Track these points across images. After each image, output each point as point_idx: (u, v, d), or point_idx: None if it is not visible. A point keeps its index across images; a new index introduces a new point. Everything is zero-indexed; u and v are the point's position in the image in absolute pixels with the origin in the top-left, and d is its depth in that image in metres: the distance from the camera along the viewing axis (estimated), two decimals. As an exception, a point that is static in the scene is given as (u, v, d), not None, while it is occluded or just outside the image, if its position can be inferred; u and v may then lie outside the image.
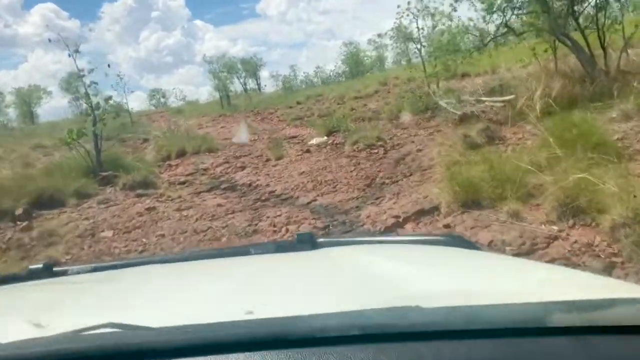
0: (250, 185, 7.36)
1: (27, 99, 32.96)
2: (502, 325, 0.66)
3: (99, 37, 78.73)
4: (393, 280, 1.00)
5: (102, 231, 5.65)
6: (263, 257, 1.40)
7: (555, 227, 3.62)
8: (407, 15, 12.28)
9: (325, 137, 9.89)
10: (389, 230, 4.38)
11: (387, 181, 6.25)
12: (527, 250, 3.38)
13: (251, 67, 31.73)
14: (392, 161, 7.22)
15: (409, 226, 4.41)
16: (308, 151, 9.05)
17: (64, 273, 1.36)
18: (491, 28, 9.56)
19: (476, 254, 1.35)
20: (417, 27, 12.54)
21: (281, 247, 1.50)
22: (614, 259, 3.08)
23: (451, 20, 9.84)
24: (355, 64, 31.63)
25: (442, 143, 6.73)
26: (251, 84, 32.60)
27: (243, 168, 8.67)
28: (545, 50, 8.72)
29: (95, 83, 9.39)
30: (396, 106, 11.23)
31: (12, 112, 33.40)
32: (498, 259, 1.49)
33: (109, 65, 11.09)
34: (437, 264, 1.20)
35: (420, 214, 4.57)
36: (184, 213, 6.04)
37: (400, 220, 4.55)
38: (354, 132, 9.12)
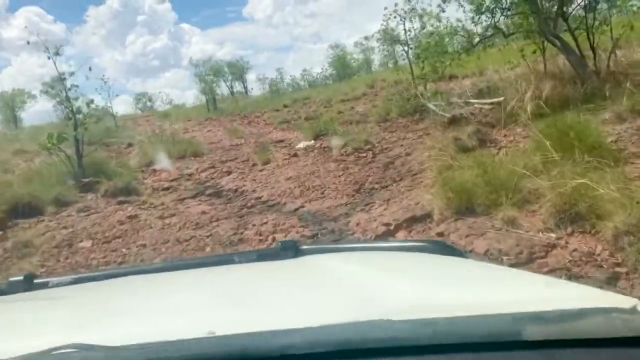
0: (236, 191, 7.16)
1: (11, 103, 32.32)
2: (471, 339, 0.65)
3: (85, 41, 77.61)
4: (367, 291, 0.98)
5: (81, 241, 5.41)
6: (244, 266, 1.40)
7: (553, 235, 3.46)
8: (395, 17, 12.23)
9: (313, 141, 9.72)
10: (379, 239, 4.20)
11: (376, 186, 6.08)
12: (526, 260, 3.21)
13: (238, 70, 31.45)
14: (381, 165, 7.06)
15: (400, 234, 4.23)
16: (295, 155, 8.87)
17: (44, 285, 1.38)
18: (479, 30, 9.48)
19: (457, 261, 1.30)
20: (405, 29, 12.49)
21: (264, 255, 1.52)
22: (617, 269, 2.90)
23: (439, 21, 9.76)
24: (342, 67, 31.51)
25: (432, 146, 6.57)
26: (238, 87, 32.35)
27: (229, 173, 8.47)
28: (534, 52, 8.63)
29: (76, 86, 9.20)
30: (384, 109, 11.13)
31: (-5, 117, 32.76)
32: (478, 266, 1.42)
33: (90, 68, 10.76)
34: (414, 272, 1.18)
35: (412, 221, 4.39)
36: (167, 221, 5.82)
37: (392, 228, 4.37)
38: (341, 135, 8.97)
